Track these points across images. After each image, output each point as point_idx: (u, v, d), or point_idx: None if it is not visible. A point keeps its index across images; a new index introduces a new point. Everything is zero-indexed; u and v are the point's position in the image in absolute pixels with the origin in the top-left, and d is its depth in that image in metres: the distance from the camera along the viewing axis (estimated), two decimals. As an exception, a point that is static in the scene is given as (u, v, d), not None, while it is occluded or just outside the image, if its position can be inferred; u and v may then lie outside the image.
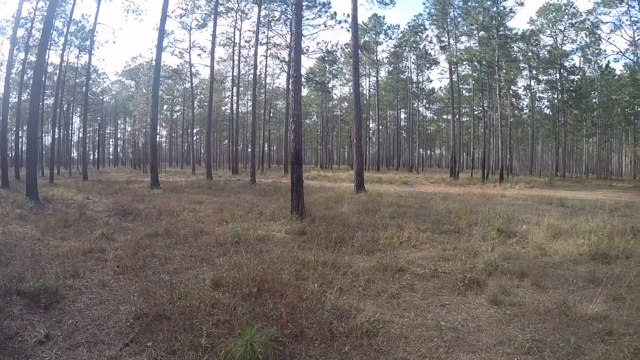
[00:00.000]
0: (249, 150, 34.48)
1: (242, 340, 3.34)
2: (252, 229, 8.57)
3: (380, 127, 55.58)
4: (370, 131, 59.17)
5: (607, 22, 36.11)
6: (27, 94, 29.31)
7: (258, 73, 34.33)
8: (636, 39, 33.92)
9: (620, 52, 37.20)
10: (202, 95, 52.18)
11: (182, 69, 41.88)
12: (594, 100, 42.85)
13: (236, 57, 36.30)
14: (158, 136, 38.13)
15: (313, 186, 19.27)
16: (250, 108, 36.35)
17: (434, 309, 4.52)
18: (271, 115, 52.73)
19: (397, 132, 56.62)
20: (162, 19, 21.00)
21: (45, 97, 34.59)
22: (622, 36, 37.04)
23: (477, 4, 33.38)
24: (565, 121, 42.44)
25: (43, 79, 26.25)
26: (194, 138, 55.49)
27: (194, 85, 42.08)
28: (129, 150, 70.06)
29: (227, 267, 5.77)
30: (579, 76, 42.10)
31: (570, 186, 25.34)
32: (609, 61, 41.97)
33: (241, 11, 34.50)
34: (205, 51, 36.93)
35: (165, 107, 54.93)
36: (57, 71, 32.55)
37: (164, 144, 68.90)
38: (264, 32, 35.37)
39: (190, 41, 37.74)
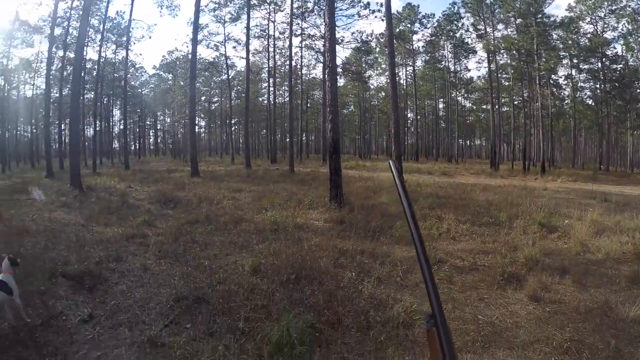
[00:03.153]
0: (287, 140, 41.68)
1: (279, 325, 4.46)
2: (290, 217, 10.65)
3: (419, 116, 64.03)
4: (409, 121, 66.77)
5: (649, 7, 39.30)
6: (67, 89, 36.84)
7: (294, 64, 41.86)
8: (683, 22, 36.37)
9: (665, 38, 40.26)
10: (239, 87, 62.11)
11: (218, 62, 52.05)
12: (639, 90, 46.98)
13: (271, 49, 46.22)
14: (197, 127, 47.05)
15: (351, 176, 22.57)
16: (287, 99, 44.51)
17: (472, 303, 5.50)
18: (308, 105, 62.45)
19: (436, 122, 64.49)
20: (195, 13, 26.97)
21: (85, 92, 44.72)
22: (666, 21, 38.46)
23: (513, -10, 39.46)
24: (609, 112, 46.96)
25: (82, 74, 32.47)
26: (232, 128, 66.82)
27: (230, 77, 52.69)
28: (168, 141, 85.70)
29: (266, 254, 7.43)
30: (621, 65, 46.44)
31: (614, 180, 28.48)
32: (653, 48, 46.04)
33: (274, 3, 43.70)
34: (240, 44, 46.67)
35: (203, 98, 66.79)
36: (96, 67, 41.64)
37: (203, 134, 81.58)
38: (298, 24, 43.20)
39: (224, 34, 47.42)
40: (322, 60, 43.83)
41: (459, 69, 56.66)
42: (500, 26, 43.43)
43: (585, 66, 48.13)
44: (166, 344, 4.62)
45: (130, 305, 5.70)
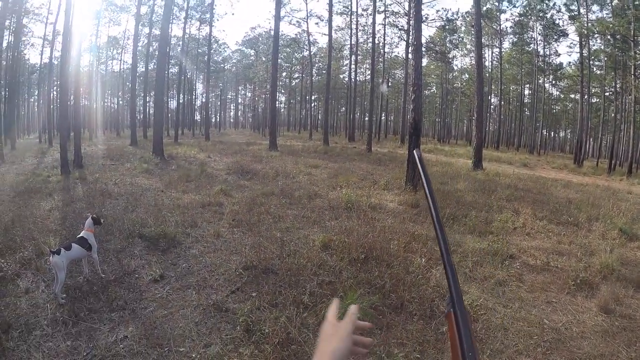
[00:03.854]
0: (366, 119, 41.86)
1: (343, 303, 3.87)
2: (365, 197, 10.71)
3: (502, 102, 60.39)
4: (491, 106, 63.21)
5: None
6: (152, 63, 39.31)
7: (376, 42, 40.79)
8: None
9: None
10: (320, 64, 62.65)
11: (300, 38, 52.75)
12: None
13: (354, 26, 45.57)
14: (277, 102, 47.38)
15: (429, 159, 22.79)
16: (369, 77, 44.03)
17: (540, 305, 5.36)
18: (390, 84, 60.60)
19: (520, 109, 60.69)
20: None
21: (170, 66, 47.28)
22: None
23: (609, -33, 35.73)
24: None
25: (167, 49, 35.13)
26: (312, 105, 68.15)
27: (312, 53, 52.92)
28: (248, 115, 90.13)
29: (337, 231, 7.42)
30: None
31: None
32: None
33: (358, -22, 42.77)
34: (322, 20, 47.54)
35: (284, 74, 67.63)
36: (180, 42, 44.86)
37: (282, 110, 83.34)
38: (382, 0, 42.84)
39: (307, 10, 48.02)
40: (405, 39, 43.28)
41: (548, 52, 52.73)
42: (595, 7, 39.74)
43: (687, 57, 42.65)
44: (230, 310, 4.78)
45: (200, 269, 5.92)
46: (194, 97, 64.26)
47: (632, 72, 35.47)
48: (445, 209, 9.62)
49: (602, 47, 40.33)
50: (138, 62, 37.19)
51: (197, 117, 71.39)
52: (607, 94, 43.72)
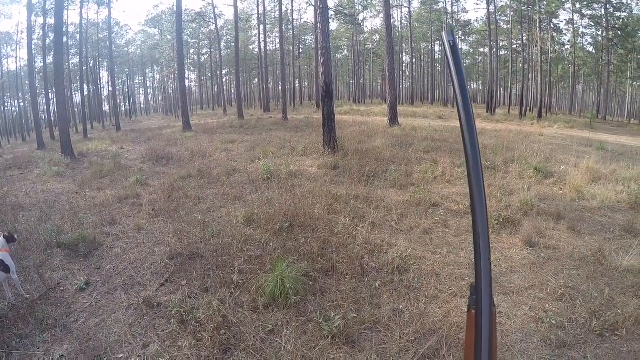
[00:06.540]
0: (280, 88, 41.79)
1: (272, 275, 4.51)
2: (284, 165, 10.64)
3: (414, 60, 62.78)
4: (404, 64, 66.51)
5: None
6: (51, 56, 35.30)
7: (284, 9, 41.39)
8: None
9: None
10: (228, 36, 61.88)
11: (205, 12, 50.98)
12: (641, 40, 45.18)
13: None
14: (187, 81, 45.25)
15: (346, 121, 23.14)
16: (279, 45, 43.31)
17: (467, 247, 5.44)
18: (300, 51, 62.05)
19: (432, 66, 64.27)
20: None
21: (70, 57, 44.50)
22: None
23: None
24: (609, 61, 44.99)
25: (65, 39, 32.93)
26: (224, 79, 66.94)
27: (219, 27, 51.74)
28: (159, 98, 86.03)
29: (259, 204, 7.35)
30: (625, 13, 43.74)
31: (611, 130, 28.36)
32: (659, -3, 42.84)
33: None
34: None
35: (192, 51, 65.88)
36: (79, 30, 41.42)
37: (194, 88, 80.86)
38: None
39: None
40: (313, 4, 43.83)
41: (456, 10, 56.25)
42: (500, -36, 41.40)
43: (588, 12, 45.93)
44: (162, 304, 4.70)
45: (126, 267, 5.73)
46: (99, 87, 60.30)
47: (538, 25, 38.78)
48: (364, 167, 9.85)
49: (508, 3, 43.15)
50: (35, 57, 35.05)
51: (106, 107, 67.15)
52: (514, 46, 46.86)
